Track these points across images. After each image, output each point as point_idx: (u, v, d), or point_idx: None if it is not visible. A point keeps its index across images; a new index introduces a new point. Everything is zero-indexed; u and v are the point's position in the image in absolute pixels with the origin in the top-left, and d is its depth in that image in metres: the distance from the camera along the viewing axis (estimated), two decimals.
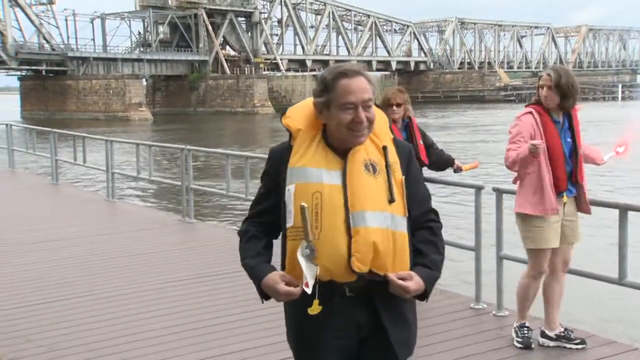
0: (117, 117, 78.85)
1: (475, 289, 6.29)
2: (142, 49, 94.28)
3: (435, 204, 2.86)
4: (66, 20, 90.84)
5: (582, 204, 5.04)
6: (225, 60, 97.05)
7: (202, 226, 11.02)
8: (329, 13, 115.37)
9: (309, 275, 2.52)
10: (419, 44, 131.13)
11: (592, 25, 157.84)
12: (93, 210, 12.19)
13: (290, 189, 2.62)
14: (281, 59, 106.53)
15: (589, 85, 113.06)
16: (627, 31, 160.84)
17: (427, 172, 6.65)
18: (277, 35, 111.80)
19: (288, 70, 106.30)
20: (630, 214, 5.06)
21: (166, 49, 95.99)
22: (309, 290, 2.52)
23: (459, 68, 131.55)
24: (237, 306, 6.37)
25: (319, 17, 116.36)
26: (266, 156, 2.86)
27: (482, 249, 6.27)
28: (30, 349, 5.47)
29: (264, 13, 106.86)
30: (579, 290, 7.74)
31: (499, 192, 5.91)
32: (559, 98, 4.87)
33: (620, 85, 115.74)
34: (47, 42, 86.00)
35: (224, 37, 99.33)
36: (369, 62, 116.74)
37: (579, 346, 5.11)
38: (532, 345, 5.16)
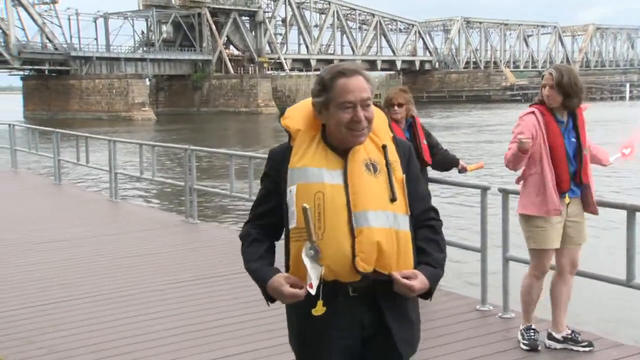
0: (120, 117, 78.91)
1: (481, 290, 6.24)
2: (145, 49, 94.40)
3: (438, 204, 2.84)
4: (69, 19, 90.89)
5: (588, 205, 4.99)
6: (229, 59, 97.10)
7: (206, 227, 10.99)
8: (334, 12, 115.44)
9: (314, 275, 2.52)
10: (424, 43, 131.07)
11: (599, 24, 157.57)
12: (96, 211, 12.15)
13: (292, 189, 2.61)
14: (285, 59, 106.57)
15: (596, 85, 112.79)
16: (635, 30, 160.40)
17: (433, 173, 6.62)
18: (281, 34, 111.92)
19: (292, 69, 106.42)
20: (638, 215, 5.02)
21: (169, 48, 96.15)
22: (312, 291, 2.51)
23: (464, 67, 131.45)
24: (239, 308, 6.33)
25: (323, 16, 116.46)
26: None
27: (488, 250, 6.22)
28: (31, 351, 5.43)
29: (268, 12, 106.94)
30: (586, 292, 7.69)
31: (505, 193, 5.87)
32: (561, 97, 4.82)
33: (628, 85, 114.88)
34: (50, 41, 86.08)
35: (227, 36, 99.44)
36: (373, 62, 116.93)
37: (586, 349, 5.06)
38: (539, 348, 5.11)
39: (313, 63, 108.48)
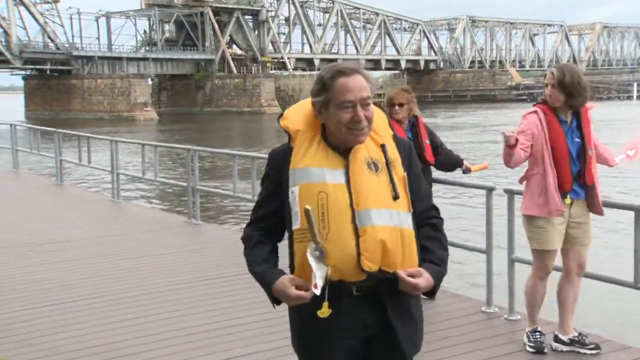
0: (122, 117, 78.95)
1: (486, 292, 6.20)
2: (147, 48, 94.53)
3: (442, 205, 2.84)
4: (71, 18, 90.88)
5: (594, 205, 4.93)
6: (232, 59, 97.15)
7: (208, 228, 10.94)
8: (337, 11, 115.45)
9: (320, 276, 2.51)
10: (429, 42, 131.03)
11: (606, 22, 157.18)
12: (98, 212, 12.12)
13: (294, 190, 2.61)
14: (288, 58, 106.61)
15: (603, 84, 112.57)
16: None
17: (437, 173, 6.56)
18: (284, 33, 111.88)
19: (295, 69, 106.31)
20: None
21: (172, 47, 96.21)
22: (317, 292, 2.50)
23: (469, 67, 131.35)
24: (242, 309, 6.28)
25: (326, 15, 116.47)
26: None
27: (493, 252, 6.17)
28: (31, 353, 5.39)
29: (271, 11, 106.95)
30: (593, 294, 7.63)
31: (511, 194, 5.83)
32: (564, 97, 4.78)
33: (635, 84, 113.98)
34: (52, 41, 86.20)
35: (230, 35, 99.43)
36: (377, 61, 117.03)
37: (593, 351, 5.01)
38: (545, 350, 5.06)
39: (316, 62, 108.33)
